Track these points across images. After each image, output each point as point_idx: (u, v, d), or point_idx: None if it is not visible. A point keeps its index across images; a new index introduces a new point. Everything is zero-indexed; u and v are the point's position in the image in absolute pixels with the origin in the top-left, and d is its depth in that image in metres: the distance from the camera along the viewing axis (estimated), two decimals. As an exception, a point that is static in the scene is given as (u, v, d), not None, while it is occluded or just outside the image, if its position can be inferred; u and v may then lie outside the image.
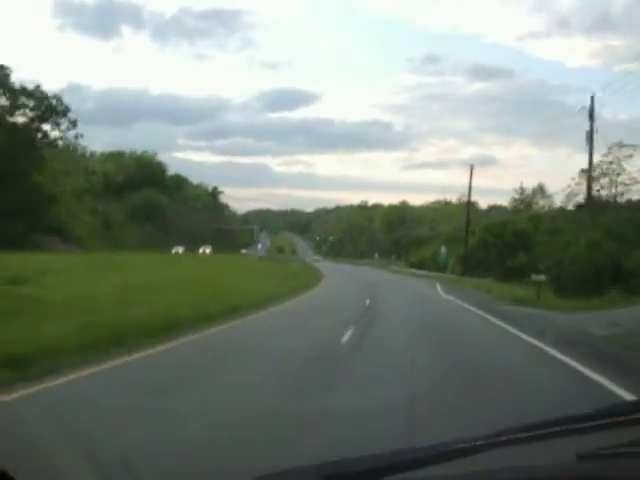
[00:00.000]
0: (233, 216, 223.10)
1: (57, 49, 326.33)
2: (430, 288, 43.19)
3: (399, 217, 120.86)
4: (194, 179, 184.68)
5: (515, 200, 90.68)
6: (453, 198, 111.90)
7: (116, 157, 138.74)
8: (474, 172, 60.55)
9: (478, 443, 1.45)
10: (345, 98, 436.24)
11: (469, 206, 62.25)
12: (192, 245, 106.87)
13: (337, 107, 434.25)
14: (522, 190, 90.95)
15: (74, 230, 74.68)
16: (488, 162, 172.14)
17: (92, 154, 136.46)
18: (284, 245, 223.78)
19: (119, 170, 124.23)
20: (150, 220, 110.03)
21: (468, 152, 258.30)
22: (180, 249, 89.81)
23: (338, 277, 54.79)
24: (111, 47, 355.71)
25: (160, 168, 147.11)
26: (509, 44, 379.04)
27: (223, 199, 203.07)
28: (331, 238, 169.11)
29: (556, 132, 74.47)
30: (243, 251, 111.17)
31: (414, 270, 76.08)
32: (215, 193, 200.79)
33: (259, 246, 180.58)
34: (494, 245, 54.17)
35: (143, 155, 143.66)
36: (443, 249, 62.03)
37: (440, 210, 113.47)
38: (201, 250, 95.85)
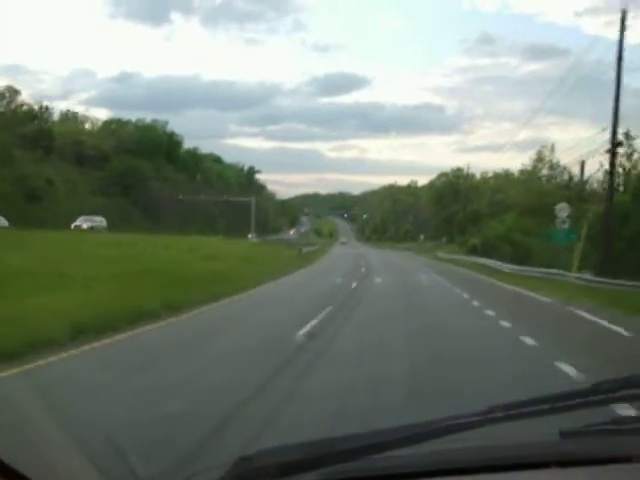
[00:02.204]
0: (271, 198, 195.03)
1: (109, 37, 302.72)
2: None
3: (451, 187, 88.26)
4: (247, 165, 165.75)
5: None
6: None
7: (115, 125, 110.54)
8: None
9: (461, 421, 1.36)
10: (397, 81, 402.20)
11: (617, 111, 26.05)
12: (183, 226, 77.67)
13: (389, 91, 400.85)
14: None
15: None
16: (543, 144, 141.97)
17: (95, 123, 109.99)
18: (324, 228, 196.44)
19: (106, 138, 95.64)
20: (128, 194, 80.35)
21: (523, 135, 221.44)
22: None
23: (311, 288, 22.65)
24: (162, 35, 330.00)
25: (172, 139, 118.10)
26: (565, 22, 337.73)
27: (269, 185, 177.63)
28: (364, 217, 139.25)
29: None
30: (249, 236, 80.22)
31: (480, 260, 44.78)
32: (251, 173, 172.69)
33: (291, 232, 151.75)
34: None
35: (150, 124, 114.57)
36: (563, 211, 25.84)
37: (506, 178, 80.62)
38: (74, 224, 52.44)
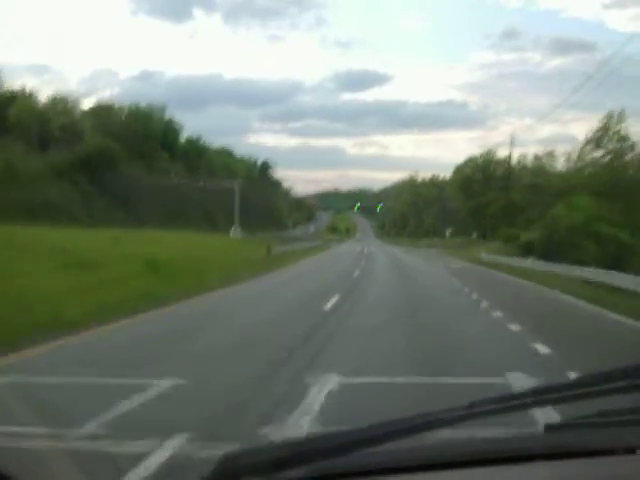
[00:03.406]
0: (286, 194, 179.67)
1: (131, 35, 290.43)
2: None
3: (480, 171, 71.43)
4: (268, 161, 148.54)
5: None
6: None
7: (103, 110, 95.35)
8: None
9: (443, 416, 1.32)
10: (420, 77, 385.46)
11: None
12: (171, 220, 62.27)
13: (411, 87, 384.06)
14: None
15: None
16: (568, 141, 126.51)
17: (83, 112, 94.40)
18: (341, 224, 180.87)
19: (84, 122, 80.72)
20: (98, 182, 64.74)
21: (546, 130, 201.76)
22: None
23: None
24: (184, 32, 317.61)
25: (170, 126, 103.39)
26: (591, 16, 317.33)
27: (290, 181, 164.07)
28: (378, 207, 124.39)
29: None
30: (232, 230, 63.52)
31: (575, 270, 24.61)
32: (265, 167, 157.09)
33: (307, 228, 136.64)
34: None
35: (144, 109, 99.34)
36: None
37: (549, 158, 63.60)
38: None
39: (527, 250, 33.13)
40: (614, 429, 1.46)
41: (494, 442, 1.41)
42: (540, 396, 1.37)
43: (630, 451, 1.36)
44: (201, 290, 15.04)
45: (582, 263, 24.77)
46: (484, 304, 14.65)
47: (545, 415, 1.48)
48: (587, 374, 1.39)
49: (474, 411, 1.31)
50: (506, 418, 1.32)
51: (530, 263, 29.92)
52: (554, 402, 1.38)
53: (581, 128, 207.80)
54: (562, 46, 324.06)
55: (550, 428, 1.43)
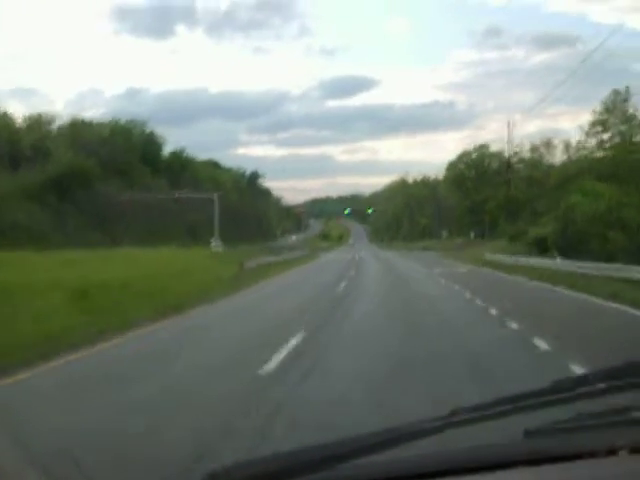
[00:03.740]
0: (276, 203, 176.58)
1: (114, 54, 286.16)
2: None
3: (477, 166, 67.74)
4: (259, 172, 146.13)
5: None
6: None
7: (80, 127, 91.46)
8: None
9: (424, 426, 1.32)
10: (405, 80, 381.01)
11: None
12: (153, 237, 58.30)
13: (398, 90, 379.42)
14: None
15: None
16: (555, 134, 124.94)
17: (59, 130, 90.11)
18: (333, 231, 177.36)
19: (58, 139, 76.96)
20: (71, 200, 60.89)
21: (533, 125, 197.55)
22: None
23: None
24: (168, 48, 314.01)
25: (151, 141, 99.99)
26: (573, 10, 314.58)
27: (281, 191, 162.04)
28: (369, 210, 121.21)
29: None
30: (212, 243, 59.02)
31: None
32: (254, 178, 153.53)
33: (293, 237, 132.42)
34: None
35: (124, 125, 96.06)
36: None
37: (546, 147, 59.95)
38: None
39: (539, 247, 29.25)
40: (594, 431, 1.45)
41: (475, 450, 1.38)
42: (520, 402, 1.34)
43: (612, 453, 1.33)
44: (119, 330, 11.02)
45: (610, 256, 21.08)
46: (541, 344, 8.94)
47: (524, 420, 1.27)
48: (566, 378, 1.37)
49: (455, 420, 1.30)
50: (486, 426, 1.29)
51: (563, 264, 23.35)
52: (534, 408, 1.32)
53: (569, 122, 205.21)
54: (546, 41, 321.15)
55: (529, 434, 1.41)
